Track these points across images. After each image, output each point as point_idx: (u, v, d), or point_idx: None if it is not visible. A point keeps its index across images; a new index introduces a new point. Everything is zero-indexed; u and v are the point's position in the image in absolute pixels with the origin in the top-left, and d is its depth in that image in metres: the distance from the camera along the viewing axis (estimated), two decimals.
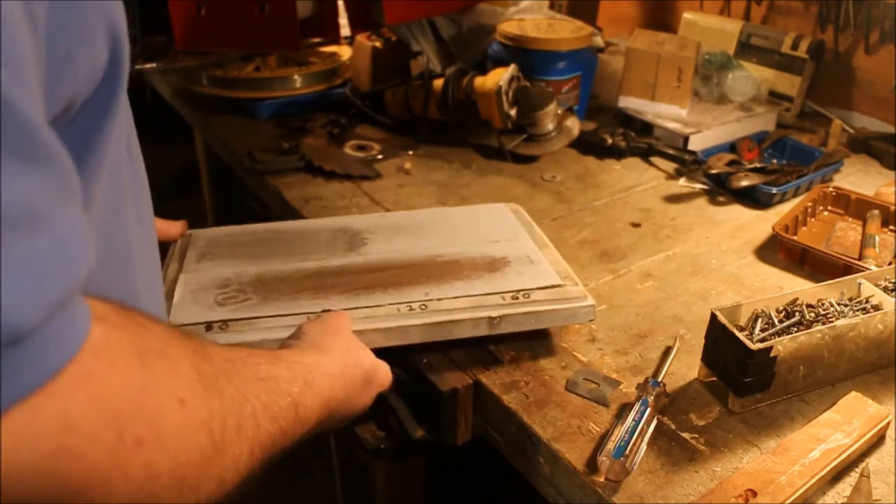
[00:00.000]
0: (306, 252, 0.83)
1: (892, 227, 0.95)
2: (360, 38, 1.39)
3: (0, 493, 0.31)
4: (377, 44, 1.35)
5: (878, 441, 0.63)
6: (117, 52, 0.40)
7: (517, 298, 0.72)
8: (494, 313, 0.70)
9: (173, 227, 0.88)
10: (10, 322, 0.29)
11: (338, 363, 0.57)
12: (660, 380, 0.68)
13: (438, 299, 0.73)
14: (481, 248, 0.82)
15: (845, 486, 0.59)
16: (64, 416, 0.32)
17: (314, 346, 0.58)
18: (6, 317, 0.29)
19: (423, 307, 0.72)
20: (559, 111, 1.19)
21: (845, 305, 0.71)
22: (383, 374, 0.63)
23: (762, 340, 0.65)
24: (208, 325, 0.70)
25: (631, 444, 0.59)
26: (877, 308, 0.70)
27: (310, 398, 0.50)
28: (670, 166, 1.17)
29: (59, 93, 0.36)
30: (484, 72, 1.21)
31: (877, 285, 0.72)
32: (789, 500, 0.55)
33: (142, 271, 0.50)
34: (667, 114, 1.26)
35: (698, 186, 1.10)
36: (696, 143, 1.20)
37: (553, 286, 0.74)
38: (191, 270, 0.81)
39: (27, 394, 0.30)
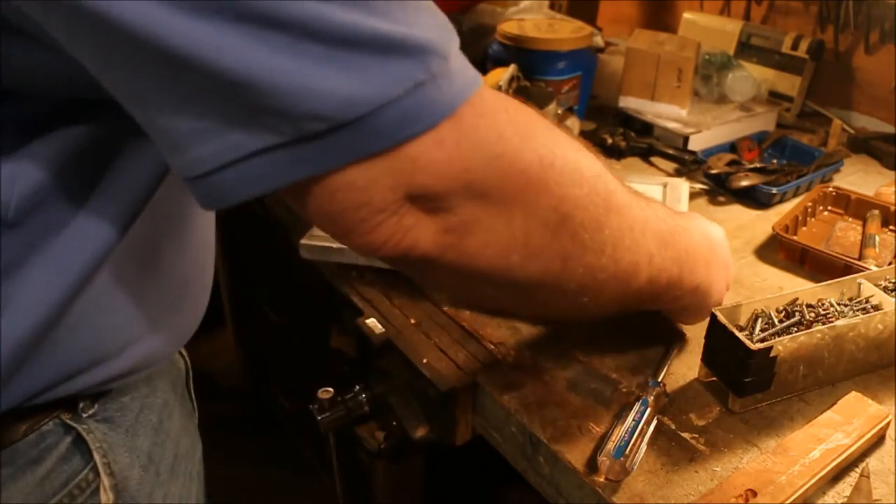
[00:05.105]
0: None
1: (892, 227, 0.95)
2: None
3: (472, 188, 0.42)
4: None
5: (878, 441, 0.63)
6: None
7: None
8: None
9: None
10: (440, 47, 0.39)
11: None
12: (660, 380, 0.68)
13: None
14: None
15: (845, 486, 0.59)
16: (495, 128, 0.42)
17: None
18: (438, 43, 0.39)
19: None
20: (559, 111, 1.19)
21: (845, 305, 0.70)
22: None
23: (762, 340, 0.65)
24: None
25: (631, 444, 0.59)
26: (877, 308, 0.70)
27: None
28: (670, 166, 1.17)
29: None
30: (484, 72, 1.21)
31: (877, 285, 0.72)
32: (789, 500, 0.55)
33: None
34: (667, 114, 1.26)
35: (698, 186, 1.10)
36: (696, 143, 1.20)
37: None
38: None
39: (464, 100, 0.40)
